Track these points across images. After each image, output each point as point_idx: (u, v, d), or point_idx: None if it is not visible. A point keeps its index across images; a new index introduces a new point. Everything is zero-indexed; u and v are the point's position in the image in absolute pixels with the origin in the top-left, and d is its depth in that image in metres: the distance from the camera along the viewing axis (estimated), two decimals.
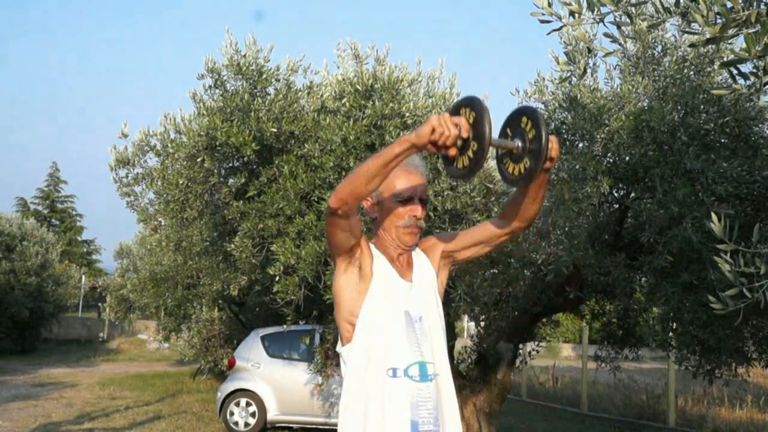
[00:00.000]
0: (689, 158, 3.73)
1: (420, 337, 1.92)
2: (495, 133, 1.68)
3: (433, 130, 1.59)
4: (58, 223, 35.71)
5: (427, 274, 2.06)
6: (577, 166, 4.02)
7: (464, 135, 1.61)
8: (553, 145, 1.73)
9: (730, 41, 3.60)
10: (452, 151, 1.62)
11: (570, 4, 2.14)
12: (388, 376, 1.86)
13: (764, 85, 2.08)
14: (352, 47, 4.99)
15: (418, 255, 2.08)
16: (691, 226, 3.65)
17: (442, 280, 2.13)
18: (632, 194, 4.46)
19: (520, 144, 1.71)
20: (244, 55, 4.60)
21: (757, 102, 3.95)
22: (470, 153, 1.64)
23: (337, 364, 6.21)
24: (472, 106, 1.64)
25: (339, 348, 1.99)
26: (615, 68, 4.63)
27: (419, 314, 1.96)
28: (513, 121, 1.75)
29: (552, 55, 4.52)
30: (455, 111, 1.68)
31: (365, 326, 1.90)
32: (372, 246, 2.02)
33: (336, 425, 7.18)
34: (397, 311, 1.93)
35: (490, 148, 1.63)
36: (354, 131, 4.35)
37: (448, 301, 4.12)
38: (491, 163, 5.04)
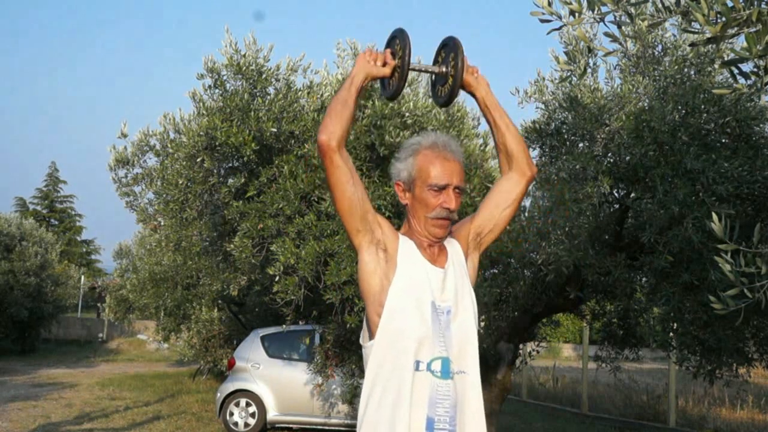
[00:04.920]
0: (690, 158, 3.72)
1: (446, 331, 1.84)
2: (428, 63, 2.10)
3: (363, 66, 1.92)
4: (57, 223, 35.69)
5: (459, 259, 1.97)
6: (578, 166, 4.02)
7: (388, 62, 1.95)
8: (468, 66, 1.99)
9: (730, 40, 3.59)
10: (387, 71, 1.95)
11: (570, 4, 2.13)
12: (413, 370, 1.79)
13: (765, 85, 2.07)
14: (351, 47, 4.99)
15: (449, 241, 1.99)
16: (692, 226, 3.65)
17: (473, 264, 2.03)
18: (632, 194, 4.45)
19: (443, 68, 2.03)
20: (244, 55, 4.59)
21: (758, 102, 3.94)
22: (396, 74, 1.97)
23: (337, 365, 6.21)
24: (398, 37, 1.97)
25: (364, 342, 1.90)
26: (615, 68, 4.63)
27: (448, 306, 1.87)
28: (439, 52, 2.09)
29: (552, 55, 4.52)
30: (388, 44, 2.01)
31: (391, 317, 1.82)
32: (400, 234, 1.93)
33: (335, 426, 7.15)
34: (424, 302, 1.84)
35: (420, 72, 2.08)
36: (354, 131, 4.35)
37: None
38: (491, 164, 5.04)
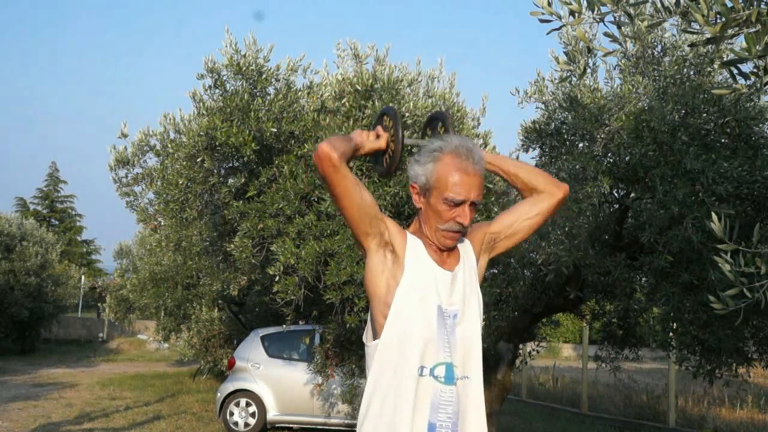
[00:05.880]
0: (689, 158, 3.72)
1: (451, 336, 1.82)
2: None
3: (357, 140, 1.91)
4: (57, 223, 35.69)
5: (471, 261, 1.95)
6: (578, 166, 4.02)
7: (381, 135, 1.97)
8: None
9: (730, 41, 3.59)
10: (382, 143, 1.97)
11: (570, 4, 2.14)
12: (417, 375, 1.78)
13: (765, 85, 2.08)
14: (351, 47, 4.99)
15: (461, 241, 1.96)
16: (692, 226, 3.65)
17: (481, 266, 2.01)
18: (632, 194, 4.46)
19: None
20: (244, 55, 4.59)
21: (757, 102, 3.94)
22: (390, 147, 1.97)
23: (337, 365, 6.21)
24: (387, 114, 2.00)
25: (367, 341, 1.89)
26: (615, 68, 4.63)
27: (454, 310, 1.85)
28: (426, 128, 2.13)
29: (552, 55, 4.53)
30: (377, 122, 2.04)
31: (397, 319, 1.81)
32: (408, 232, 1.91)
33: (336, 426, 7.14)
34: (430, 305, 1.82)
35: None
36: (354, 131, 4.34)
37: None
38: None
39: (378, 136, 1.96)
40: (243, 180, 4.69)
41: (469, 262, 1.96)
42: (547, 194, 2.03)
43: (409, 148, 2.02)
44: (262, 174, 4.58)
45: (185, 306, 10.88)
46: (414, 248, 1.88)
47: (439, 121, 2.05)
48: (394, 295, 1.83)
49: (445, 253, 1.92)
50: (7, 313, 16.36)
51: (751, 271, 2.32)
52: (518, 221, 2.03)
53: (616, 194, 4.61)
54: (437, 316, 1.83)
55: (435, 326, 1.82)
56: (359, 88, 4.56)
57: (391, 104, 1.99)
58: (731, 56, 2.03)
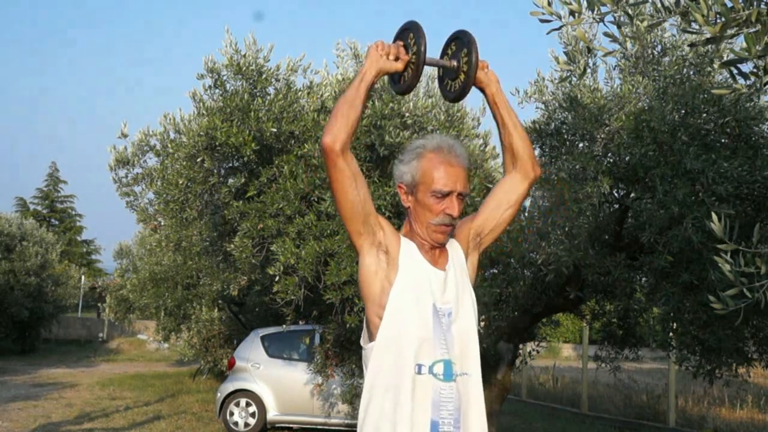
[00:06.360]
0: (689, 158, 3.72)
1: (447, 334, 1.83)
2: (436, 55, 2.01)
3: (374, 57, 1.86)
4: (57, 223, 35.68)
5: (459, 260, 1.96)
6: (577, 166, 4.02)
7: (401, 57, 1.88)
8: (480, 61, 1.94)
9: (730, 41, 3.60)
10: (400, 66, 1.89)
11: (570, 4, 2.14)
12: (414, 373, 1.78)
13: (765, 85, 2.08)
14: (351, 47, 5.00)
15: (449, 242, 1.98)
16: (692, 226, 3.65)
17: (473, 264, 2.02)
18: (632, 194, 4.46)
19: (455, 63, 1.96)
20: (244, 55, 4.60)
21: (757, 102, 3.94)
22: (410, 69, 1.91)
23: (337, 365, 6.21)
24: (411, 30, 1.90)
25: (364, 344, 1.90)
26: (615, 68, 4.63)
27: (449, 308, 1.86)
28: (449, 44, 2.01)
29: (552, 55, 4.52)
30: (399, 36, 1.94)
31: (392, 320, 1.82)
32: (401, 235, 1.92)
33: (336, 426, 7.15)
34: (425, 304, 1.83)
35: (430, 67, 2.01)
36: None
37: None
38: (491, 164, 5.04)
39: (397, 58, 1.88)
40: (243, 180, 4.70)
41: (458, 261, 1.97)
42: (521, 175, 2.02)
43: (438, 70, 1.98)
44: (262, 174, 4.58)
45: (185, 306, 10.88)
46: (407, 250, 1.89)
47: (464, 46, 1.93)
48: (389, 296, 1.83)
49: (437, 252, 1.93)
50: (7, 313, 16.35)
51: (751, 271, 2.31)
52: (499, 212, 2.04)
53: (616, 194, 4.61)
54: (433, 315, 1.84)
55: (431, 325, 1.83)
56: None
57: (413, 20, 1.91)
58: (731, 56, 2.03)
